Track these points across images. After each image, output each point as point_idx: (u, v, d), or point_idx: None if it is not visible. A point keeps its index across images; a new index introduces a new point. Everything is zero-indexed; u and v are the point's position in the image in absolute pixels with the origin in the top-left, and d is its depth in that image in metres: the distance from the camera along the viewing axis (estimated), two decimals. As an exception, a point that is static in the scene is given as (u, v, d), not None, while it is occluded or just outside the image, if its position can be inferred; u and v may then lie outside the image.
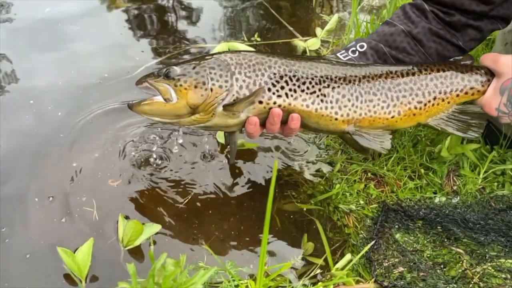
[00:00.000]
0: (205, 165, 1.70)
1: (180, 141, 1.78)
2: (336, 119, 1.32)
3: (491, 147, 1.69)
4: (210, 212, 1.54)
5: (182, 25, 2.60)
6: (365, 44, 1.43)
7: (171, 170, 1.66)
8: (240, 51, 1.32)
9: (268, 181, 1.66)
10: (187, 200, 1.56)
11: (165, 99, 1.26)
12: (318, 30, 2.43)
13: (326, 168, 1.75)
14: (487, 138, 1.69)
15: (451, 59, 1.47)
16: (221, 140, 1.74)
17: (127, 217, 1.43)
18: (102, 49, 2.29)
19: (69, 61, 2.19)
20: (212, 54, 1.31)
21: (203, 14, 2.73)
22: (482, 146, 1.69)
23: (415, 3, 1.47)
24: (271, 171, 1.69)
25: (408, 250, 1.41)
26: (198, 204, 1.56)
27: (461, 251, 1.39)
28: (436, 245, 1.43)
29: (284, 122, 1.30)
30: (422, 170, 1.67)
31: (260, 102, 1.26)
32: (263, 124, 1.31)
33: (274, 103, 1.27)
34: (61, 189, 1.55)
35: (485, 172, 1.63)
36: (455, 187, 1.63)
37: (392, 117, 1.36)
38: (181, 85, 1.25)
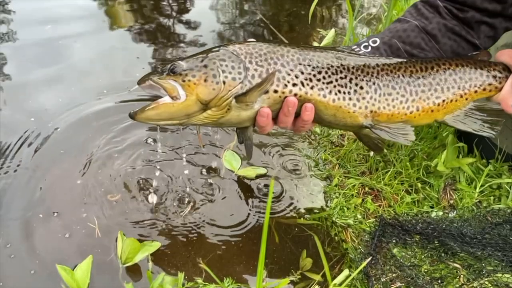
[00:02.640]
0: (204, 181, 1.71)
1: (180, 156, 1.80)
2: (354, 111, 1.25)
3: (487, 161, 1.70)
4: (209, 228, 1.55)
5: (181, 41, 2.64)
6: (377, 40, 1.38)
7: (169, 185, 1.68)
8: (249, 42, 1.25)
9: (266, 197, 1.67)
10: (185, 215, 1.57)
11: (172, 97, 1.16)
12: (315, 45, 2.46)
13: (324, 183, 1.77)
14: (483, 152, 1.71)
15: (469, 54, 1.43)
16: (228, 165, 1.74)
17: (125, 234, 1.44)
18: (102, 65, 2.33)
19: (69, 77, 2.22)
20: (219, 46, 1.23)
21: (202, 31, 2.77)
22: (478, 160, 1.71)
23: (427, 0, 1.43)
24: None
25: (406, 265, 1.41)
26: (197, 220, 1.57)
27: (458, 266, 1.40)
28: (434, 260, 1.44)
29: (297, 115, 1.23)
30: (419, 184, 1.68)
31: (275, 91, 1.18)
32: (274, 119, 1.25)
33: (290, 92, 1.19)
34: (64, 205, 1.57)
35: (481, 186, 1.64)
36: (451, 201, 1.64)
37: (411, 112, 1.30)
38: (189, 80, 1.15)
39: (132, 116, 1.19)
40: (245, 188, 1.70)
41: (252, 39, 1.26)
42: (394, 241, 1.51)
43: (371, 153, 1.79)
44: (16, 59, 2.35)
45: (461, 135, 1.79)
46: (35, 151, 1.77)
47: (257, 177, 1.73)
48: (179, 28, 2.77)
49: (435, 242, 1.48)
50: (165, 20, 2.85)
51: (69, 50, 2.46)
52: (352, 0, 3.10)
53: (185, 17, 2.91)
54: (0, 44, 2.44)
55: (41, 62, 2.33)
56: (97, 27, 2.71)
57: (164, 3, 3.05)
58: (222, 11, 3.03)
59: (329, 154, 1.86)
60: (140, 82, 1.21)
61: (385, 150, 1.79)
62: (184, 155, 1.80)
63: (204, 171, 1.75)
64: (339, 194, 1.68)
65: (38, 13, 2.77)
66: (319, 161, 1.86)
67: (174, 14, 2.93)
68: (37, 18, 2.69)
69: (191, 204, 1.62)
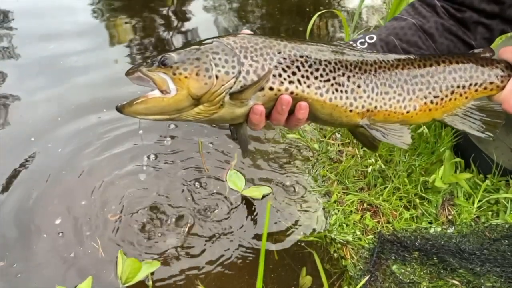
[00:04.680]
0: (204, 199, 1.73)
1: (181, 175, 1.82)
2: (351, 110, 1.20)
3: (484, 176, 1.72)
4: (209, 246, 1.56)
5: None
6: (374, 36, 1.35)
7: (170, 204, 1.69)
8: (244, 34, 1.19)
9: (264, 215, 1.68)
10: (185, 234, 1.59)
11: (161, 91, 1.09)
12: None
13: (323, 199, 1.78)
14: (480, 167, 1.72)
15: (470, 51, 1.39)
16: (232, 185, 1.75)
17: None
18: (102, 84, 2.36)
19: (69, 96, 2.25)
20: (213, 38, 1.17)
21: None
22: (475, 175, 1.72)
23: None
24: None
25: (405, 282, 1.42)
26: (197, 238, 1.58)
27: (457, 282, 1.40)
28: (433, 277, 1.44)
29: (291, 112, 1.18)
30: (417, 200, 1.69)
31: (271, 89, 1.13)
32: (267, 115, 1.19)
33: (286, 89, 1.13)
34: (69, 226, 1.60)
35: (479, 201, 1.65)
36: (450, 217, 1.65)
37: (408, 112, 1.26)
38: (180, 73, 1.09)
39: (119, 109, 1.12)
40: (245, 206, 1.72)
41: (247, 30, 1.23)
42: (393, 257, 1.51)
43: (369, 169, 1.80)
44: (17, 77, 2.39)
45: (458, 150, 1.81)
46: (37, 172, 1.79)
47: (263, 197, 1.74)
48: (178, 43, 2.82)
49: (434, 258, 1.49)
50: (165, 35, 2.90)
51: (70, 68, 2.49)
52: (348, 16, 3.15)
53: (184, 35, 2.95)
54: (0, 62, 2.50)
55: (42, 80, 2.37)
56: (98, 44, 2.76)
57: (163, 19, 3.11)
58: (220, 26, 3.08)
59: (327, 171, 1.88)
60: (129, 73, 1.14)
61: (383, 166, 1.81)
62: (185, 174, 1.83)
63: (205, 189, 1.77)
64: (338, 211, 1.69)
65: (40, 30, 2.82)
66: (318, 177, 1.87)
67: (173, 31, 2.98)
68: (39, 36, 2.75)
69: (192, 223, 1.63)
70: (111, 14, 3.13)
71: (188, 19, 3.15)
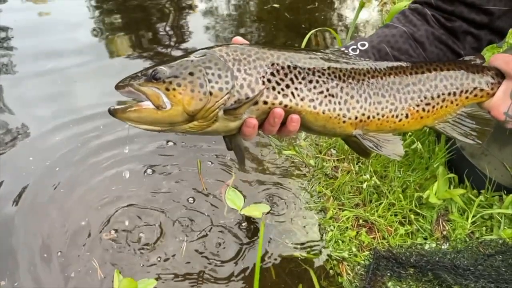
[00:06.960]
0: (201, 217, 1.74)
1: (175, 191, 1.84)
2: (344, 121, 1.21)
3: (478, 192, 1.73)
4: (207, 264, 1.57)
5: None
6: (366, 43, 1.34)
7: (164, 221, 1.71)
8: (237, 45, 1.17)
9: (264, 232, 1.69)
10: (181, 253, 1.59)
11: (156, 106, 1.07)
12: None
13: (318, 215, 1.79)
14: (473, 182, 1.74)
15: (461, 58, 1.40)
16: (231, 204, 1.76)
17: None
18: (100, 101, 2.37)
19: (66, 114, 2.27)
20: (204, 49, 1.15)
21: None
22: (469, 190, 1.74)
23: (415, 8, 1.42)
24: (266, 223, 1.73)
25: (401, 299, 1.43)
26: (194, 256, 1.59)
27: (452, 299, 1.41)
28: (428, 293, 1.45)
29: (283, 123, 1.16)
30: (412, 216, 1.71)
31: (265, 103, 1.12)
32: (259, 125, 1.17)
33: (280, 103, 1.13)
34: (68, 245, 1.61)
35: (473, 216, 1.66)
36: (444, 232, 1.66)
37: (400, 120, 1.27)
38: (174, 89, 1.06)
39: (112, 112, 1.08)
40: (242, 223, 1.73)
41: (240, 38, 1.21)
42: (388, 274, 1.52)
43: (364, 185, 1.82)
44: (16, 96, 2.42)
45: (451, 166, 1.83)
46: (35, 190, 1.81)
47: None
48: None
49: (429, 274, 1.50)
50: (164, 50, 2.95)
51: (68, 85, 2.52)
52: (340, 30, 3.20)
53: (181, 51, 2.99)
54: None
55: (40, 98, 2.39)
56: (97, 61, 2.79)
57: (163, 34, 3.15)
58: (217, 39, 3.13)
59: (323, 187, 1.89)
60: (119, 86, 1.11)
61: (378, 182, 1.83)
62: (183, 192, 1.84)
63: (203, 207, 1.78)
64: (334, 227, 1.71)
65: (39, 47, 2.85)
66: (314, 193, 1.89)
67: (171, 47, 3.02)
68: (38, 53, 2.78)
69: (189, 241, 1.64)
70: (110, 31, 3.17)
71: (184, 36, 3.19)
